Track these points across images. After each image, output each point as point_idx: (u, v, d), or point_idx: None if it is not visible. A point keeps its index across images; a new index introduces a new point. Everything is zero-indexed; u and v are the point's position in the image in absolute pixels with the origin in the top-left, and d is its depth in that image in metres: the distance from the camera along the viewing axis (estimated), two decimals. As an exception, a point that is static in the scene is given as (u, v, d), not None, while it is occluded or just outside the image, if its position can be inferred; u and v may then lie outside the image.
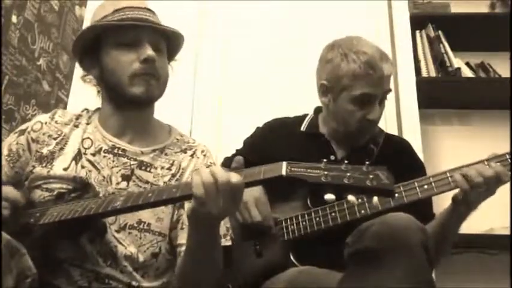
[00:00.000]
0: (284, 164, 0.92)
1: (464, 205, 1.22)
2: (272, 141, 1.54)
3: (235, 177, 0.92)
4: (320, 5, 2.46)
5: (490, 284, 2.05)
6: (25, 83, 1.93)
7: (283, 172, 0.90)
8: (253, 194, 1.34)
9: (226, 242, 1.20)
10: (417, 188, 1.21)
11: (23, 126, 1.31)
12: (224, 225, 1.21)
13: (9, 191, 1.08)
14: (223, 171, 0.93)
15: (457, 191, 1.22)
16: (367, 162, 0.88)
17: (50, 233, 1.08)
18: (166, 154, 1.27)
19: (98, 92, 1.31)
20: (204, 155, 1.30)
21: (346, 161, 0.88)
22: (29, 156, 1.25)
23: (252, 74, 2.37)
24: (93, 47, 1.23)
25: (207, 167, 1.08)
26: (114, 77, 1.20)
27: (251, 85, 2.35)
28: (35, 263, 0.96)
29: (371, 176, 0.85)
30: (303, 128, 1.55)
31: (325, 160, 0.90)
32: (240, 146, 1.65)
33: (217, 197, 0.92)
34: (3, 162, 1.25)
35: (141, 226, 1.17)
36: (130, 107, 1.23)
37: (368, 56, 1.37)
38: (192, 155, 1.28)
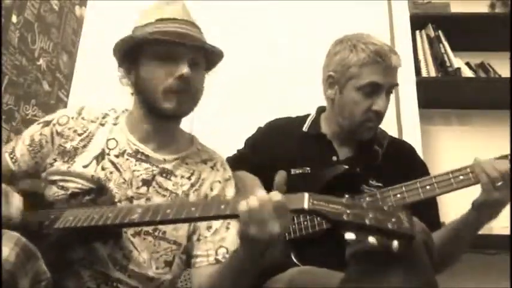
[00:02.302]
0: (306, 196, 0.91)
1: (484, 208, 1.19)
2: (274, 141, 1.54)
3: (277, 196, 0.92)
4: (320, 5, 2.46)
5: (490, 284, 2.05)
6: (25, 83, 1.93)
7: (305, 206, 0.90)
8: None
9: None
10: (419, 188, 1.20)
11: (48, 118, 1.31)
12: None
13: (4, 207, 1.04)
14: (263, 194, 0.93)
15: (469, 194, 1.21)
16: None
17: (64, 238, 1.07)
18: (187, 163, 1.28)
19: (132, 94, 1.31)
20: (224, 169, 1.32)
21: (358, 169, 0.89)
22: (51, 148, 1.25)
23: (252, 73, 2.37)
24: (133, 53, 1.23)
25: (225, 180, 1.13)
26: (149, 89, 1.21)
27: (251, 85, 2.35)
28: (47, 264, 0.95)
29: (393, 219, 0.84)
30: (305, 128, 1.54)
31: (347, 196, 0.90)
32: (240, 146, 1.65)
33: (261, 219, 0.91)
34: (24, 150, 1.26)
35: (156, 233, 1.17)
36: (160, 118, 1.24)
37: (377, 46, 1.38)
38: (212, 167, 1.30)
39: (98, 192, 1.14)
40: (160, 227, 1.17)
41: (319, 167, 1.41)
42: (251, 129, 1.67)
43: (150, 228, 1.16)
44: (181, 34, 1.19)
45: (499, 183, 1.15)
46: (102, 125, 1.29)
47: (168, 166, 1.25)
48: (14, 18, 1.85)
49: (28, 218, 1.08)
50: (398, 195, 1.21)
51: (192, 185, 1.25)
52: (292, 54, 2.37)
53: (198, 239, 1.21)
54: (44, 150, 1.26)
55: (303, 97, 2.13)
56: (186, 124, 2.27)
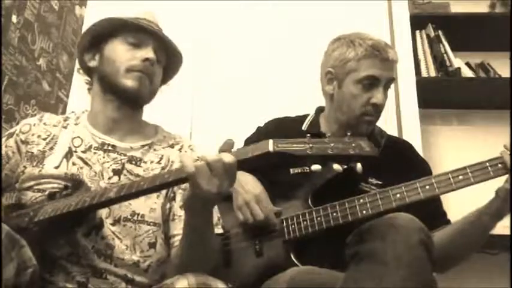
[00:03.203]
0: (271, 141, 0.96)
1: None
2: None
3: (226, 156, 0.96)
4: (320, 5, 2.46)
5: (490, 284, 2.05)
6: (25, 83, 1.93)
7: (271, 148, 0.95)
8: (253, 192, 1.34)
9: (218, 230, 1.25)
10: (419, 188, 1.20)
11: (11, 130, 1.34)
12: (215, 215, 1.25)
13: None
14: (214, 154, 0.97)
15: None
16: (348, 135, 0.96)
17: (45, 229, 1.09)
18: (155, 149, 1.31)
19: (89, 89, 1.36)
20: (191, 150, 1.36)
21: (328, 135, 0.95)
22: (19, 158, 1.27)
23: (252, 73, 2.37)
24: (100, 40, 1.30)
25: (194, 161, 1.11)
26: (112, 67, 1.26)
27: (251, 84, 2.35)
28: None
29: (353, 145, 0.94)
30: (304, 127, 1.55)
31: (308, 135, 0.96)
32: (240, 145, 1.65)
33: (211, 176, 0.95)
34: None
35: (135, 218, 1.19)
36: (120, 102, 1.27)
37: (374, 41, 1.41)
38: (179, 149, 1.33)
39: (74, 187, 1.16)
40: (137, 211, 1.19)
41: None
42: (250, 129, 1.67)
43: (128, 214, 1.19)
44: (150, 27, 1.29)
45: None
46: (65, 127, 1.31)
47: (136, 154, 1.28)
48: (14, 18, 1.84)
49: (8, 221, 1.09)
50: (398, 195, 1.21)
51: (163, 168, 1.27)
52: (292, 54, 2.37)
53: (173, 219, 1.24)
54: (11, 161, 1.27)
55: (303, 97, 2.13)
56: (186, 124, 2.30)
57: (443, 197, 1.35)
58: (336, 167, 0.96)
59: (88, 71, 1.35)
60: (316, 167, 0.96)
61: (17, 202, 1.20)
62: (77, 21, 2.38)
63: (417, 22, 2.39)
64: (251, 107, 2.27)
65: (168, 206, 1.25)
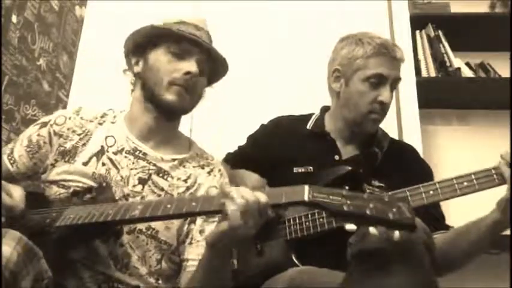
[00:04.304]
0: (306, 188, 0.90)
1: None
2: (276, 138, 1.54)
3: (262, 196, 0.92)
4: (320, 5, 2.46)
5: (490, 284, 2.05)
6: (25, 83, 1.93)
7: (306, 198, 0.89)
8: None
9: (233, 265, 1.25)
10: (423, 193, 1.19)
11: (45, 119, 1.32)
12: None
13: (6, 198, 1.07)
14: (250, 191, 0.93)
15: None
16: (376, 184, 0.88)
17: (66, 235, 1.07)
18: (184, 166, 1.29)
19: (132, 90, 1.34)
20: (221, 175, 1.33)
21: (367, 191, 0.88)
22: (49, 148, 1.26)
23: (252, 73, 2.37)
24: (146, 45, 1.28)
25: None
26: (156, 77, 1.24)
27: (252, 84, 2.35)
28: (49, 263, 0.96)
29: (394, 209, 0.84)
30: (308, 126, 1.55)
31: (347, 187, 0.92)
32: (241, 145, 1.65)
33: (248, 219, 0.92)
34: (22, 152, 1.27)
35: (149, 232, 1.18)
36: (158, 112, 1.26)
37: (382, 39, 1.43)
38: (209, 172, 1.31)
39: (99, 190, 1.14)
40: (153, 226, 1.18)
41: (321, 165, 1.41)
42: (251, 128, 1.67)
43: (143, 227, 1.17)
44: (196, 37, 1.25)
45: None
46: (101, 124, 1.30)
47: (165, 166, 1.26)
48: (14, 18, 1.84)
49: (29, 216, 1.09)
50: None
51: (188, 188, 1.25)
52: (293, 54, 2.37)
53: (190, 243, 1.22)
54: (42, 151, 1.26)
55: (304, 97, 2.13)
56: (186, 123, 2.30)
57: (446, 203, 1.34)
58: (372, 231, 0.86)
59: (133, 73, 1.33)
60: (350, 226, 0.89)
61: (40, 192, 1.19)
62: (77, 21, 2.37)
63: (417, 22, 2.39)
64: (252, 106, 2.27)
65: (185, 228, 1.23)
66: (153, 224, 1.18)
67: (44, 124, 1.29)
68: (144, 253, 1.17)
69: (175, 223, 1.20)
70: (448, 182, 1.19)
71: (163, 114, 1.26)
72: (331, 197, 0.88)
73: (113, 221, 1.03)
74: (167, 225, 1.19)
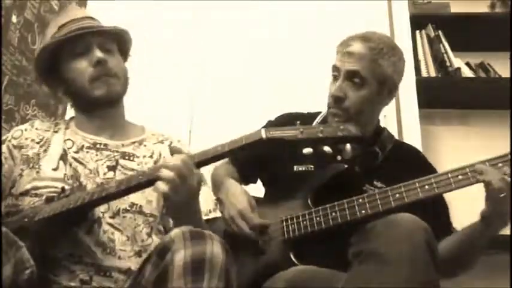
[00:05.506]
0: (263, 129, 1.02)
1: (493, 216, 1.16)
2: None
3: (188, 157, 1.03)
4: (320, 5, 2.46)
5: (490, 284, 2.05)
6: (25, 83, 1.93)
7: (263, 135, 1.01)
8: (237, 207, 1.32)
9: (216, 214, 1.30)
10: (418, 188, 1.20)
11: (3, 137, 1.34)
12: (212, 201, 1.32)
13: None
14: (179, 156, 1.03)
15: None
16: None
17: (45, 229, 1.10)
18: (145, 145, 1.34)
19: (71, 105, 1.39)
20: (181, 144, 1.39)
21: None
22: (12, 163, 1.27)
23: (253, 72, 2.37)
24: (53, 66, 1.32)
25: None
26: (77, 86, 1.29)
27: (252, 84, 2.35)
28: (37, 262, 0.96)
29: (341, 127, 1.01)
30: (314, 124, 1.54)
31: (298, 122, 1.02)
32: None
33: (177, 182, 1.00)
34: None
35: (134, 209, 1.22)
36: (100, 109, 1.30)
37: (356, 34, 1.40)
38: (169, 145, 1.35)
39: (72, 190, 1.17)
40: (136, 202, 1.22)
41: (323, 164, 1.40)
42: (251, 128, 1.66)
43: (127, 206, 1.21)
44: (84, 27, 1.29)
45: (503, 194, 1.11)
46: (56, 131, 1.34)
47: (128, 150, 1.31)
48: (14, 18, 1.85)
49: (7, 223, 1.11)
50: (397, 195, 1.21)
51: (155, 162, 1.30)
52: (292, 55, 2.37)
53: None
54: (4, 167, 1.27)
55: (304, 96, 2.13)
56: (185, 123, 2.30)
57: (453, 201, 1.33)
58: (327, 149, 0.99)
59: (62, 94, 1.37)
60: (307, 150, 1.00)
61: (14, 210, 1.20)
62: (77, 21, 2.37)
63: (417, 22, 2.39)
64: (251, 106, 2.27)
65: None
66: (136, 201, 1.22)
67: (2, 142, 1.32)
68: (133, 231, 1.20)
69: (154, 195, 1.24)
70: (442, 176, 1.19)
71: (103, 107, 1.31)
72: (286, 131, 1.01)
73: (90, 202, 1.08)
74: (148, 199, 1.24)
